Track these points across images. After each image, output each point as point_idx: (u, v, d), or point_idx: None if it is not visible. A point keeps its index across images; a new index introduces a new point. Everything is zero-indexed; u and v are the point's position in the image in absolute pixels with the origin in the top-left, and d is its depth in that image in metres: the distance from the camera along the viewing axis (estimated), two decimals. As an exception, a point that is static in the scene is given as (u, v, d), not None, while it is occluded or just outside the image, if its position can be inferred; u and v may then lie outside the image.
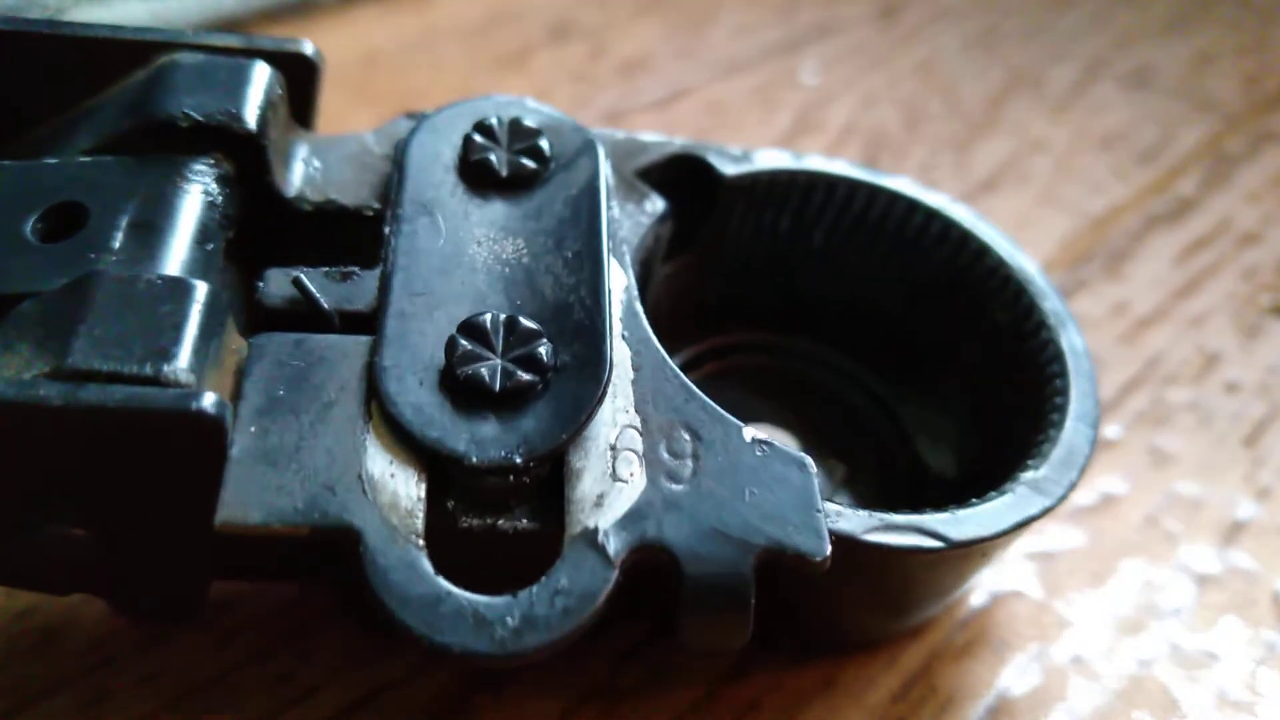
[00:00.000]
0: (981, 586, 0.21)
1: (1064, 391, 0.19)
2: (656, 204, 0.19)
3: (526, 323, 0.16)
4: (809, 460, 0.16)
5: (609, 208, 0.18)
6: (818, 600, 0.18)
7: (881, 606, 0.19)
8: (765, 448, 0.16)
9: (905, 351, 0.22)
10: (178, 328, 0.14)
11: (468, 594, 0.13)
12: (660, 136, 0.21)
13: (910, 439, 0.22)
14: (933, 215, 0.21)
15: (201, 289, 0.15)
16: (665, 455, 0.15)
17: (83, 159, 0.17)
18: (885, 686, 0.19)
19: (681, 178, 0.20)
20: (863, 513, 0.16)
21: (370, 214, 0.18)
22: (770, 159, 0.21)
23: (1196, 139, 0.35)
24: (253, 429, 0.14)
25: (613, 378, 0.16)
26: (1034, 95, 0.37)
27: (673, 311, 0.21)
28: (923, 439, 0.22)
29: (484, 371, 0.15)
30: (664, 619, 0.16)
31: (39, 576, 0.16)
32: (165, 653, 0.19)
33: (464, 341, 0.15)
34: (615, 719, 0.18)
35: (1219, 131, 0.36)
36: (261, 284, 0.16)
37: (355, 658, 0.19)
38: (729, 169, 0.20)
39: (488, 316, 0.16)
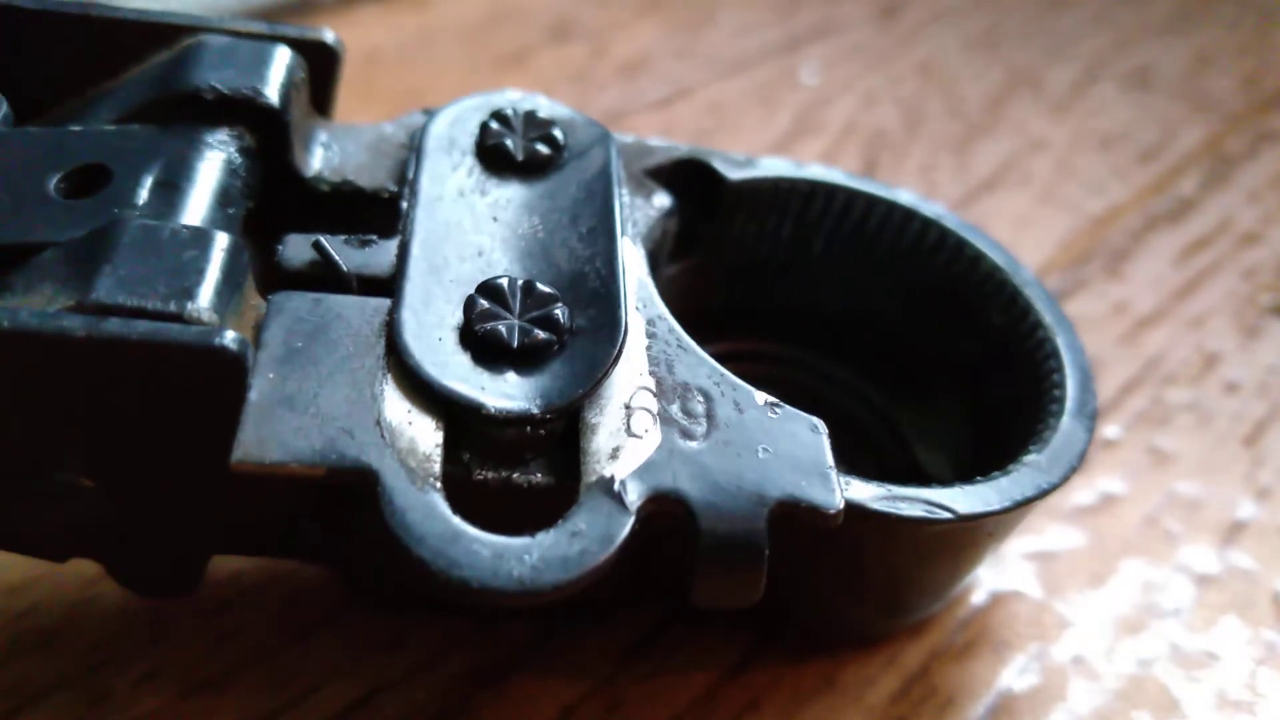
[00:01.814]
0: (981, 586, 0.21)
1: (1061, 385, 0.19)
2: (664, 199, 0.20)
3: (543, 287, 0.16)
4: (820, 422, 0.16)
5: (620, 194, 0.18)
6: (823, 578, 0.18)
7: (885, 589, 0.19)
8: (777, 410, 0.16)
9: (902, 358, 0.22)
10: (201, 271, 0.14)
11: (485, 534, 0.13)
12: (666, 142, 0.21)
13: (908, 445, 0.22)
14: (929, 224, 0.21)
15: (225, 238, 0.15)
16: (679, 415, 0.16)
17: (107, 127, 0.17)
18: (885, 686, 0.19)
19: (686, 180, 0.21)
20: (871, 484, 0.16)
21: (387, 196, 0.18)
22: (773, 166, 0.21)
23: (1196, 139, 0.35)
24: (271, 376, 0.14)
25: (627, 342, 0.16)
26: (1034, 95, 0.37)
27: (674, 317, 0.21)
28: (920, 445, 0.22)
29: (502, 329, 0.15)
30: (675, 585, 0.16)
31: (40, 537, 0.16)
32: (165, 652, 0.19)
33: (483, 301, 0.16)
34: (615, 717, 0.18)
35: (1219, 131, 0.36)
36: (281, 247, 0.16)
37: (355, 658, 0.19)
38: (733, 174, 0.21)
39: (505, 280, 0.16)
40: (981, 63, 0.39)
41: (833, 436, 0.16)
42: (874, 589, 0.19)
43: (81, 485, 0.15)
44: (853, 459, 0.22)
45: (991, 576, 0.21)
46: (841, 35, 0.40)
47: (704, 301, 0.22)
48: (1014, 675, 0.20)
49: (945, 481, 0.17)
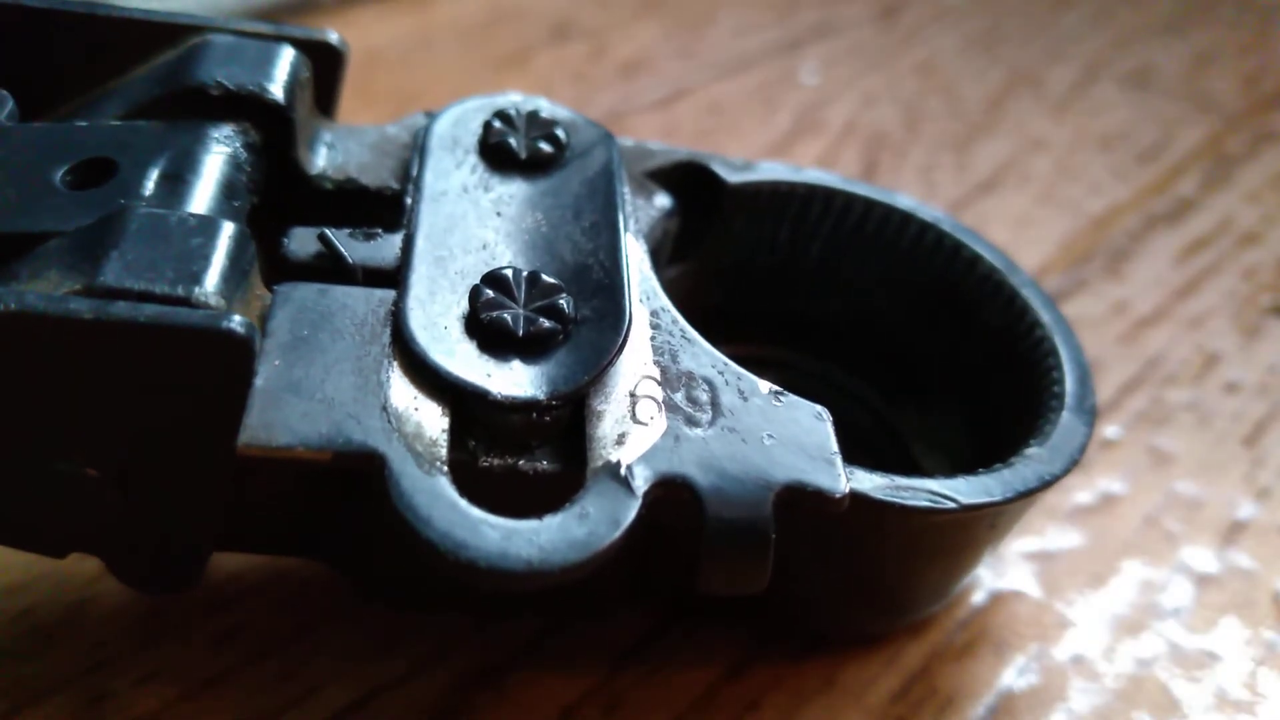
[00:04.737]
0: (981, 586, 0.21)
1: (1060, 382, 0.19)
2: (664, 200, 0.20)
3: (548, 278, 0.16)
4: (824, 410, 0.16)
5: (623, 190, 0.19)
6: (825, 571, 0.18)
7: (887, 583, 0.19)
8: (781, 397, 0.16)
9: (901, 361, 0.23)
10: (207, 257, 0.14)
11: (493, 516, 0.14)
12: (666, 145, 0.21)
13: (906, 447, 0.22)
14: (926, 226, 0.21)
15: (231, 226, 0.15)
16: (684, 403, 0.16)
17: (114, 122, 0.17)
18: (885, 686, 0.19)
19: (686, 183, 0.21)
20: (875, 474, 0.16)
21: (390, 194, 0.18)
22: (772, 170, 0.21)
23: (1196, 139, 0.35)
24: (277, 363, 0.14)
25: (632, 331, 0.16)
26: (1034, 95, 0.37)
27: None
28: (919, 446, 0.22)
29: (507, 317, 0.15)
30: (678, 580, 0.16)
31: (40, 530, 0.16)
32: (165, 653, 0.19)
33: (488, 290, 0.16)
34: (615, 717, 0.18)
35: (1219, 131, 0.36)
36: (286, 240, 0.16)
37: (355, 658, 0.19)
38: (732, 177, 0.21)
39: (510, 270, 0.16)
40: (981, 63, 0.39)
41: None
42: (875, 583, 0.19)
43: (84, 475, 0.15)
44: (852, 460, 0.22)
45: (991, 576, 0.21)
46: (841, 35, 0.40)
47: (702, 304, 0.22)
48: (1014, 675, 0.20)
49: None
